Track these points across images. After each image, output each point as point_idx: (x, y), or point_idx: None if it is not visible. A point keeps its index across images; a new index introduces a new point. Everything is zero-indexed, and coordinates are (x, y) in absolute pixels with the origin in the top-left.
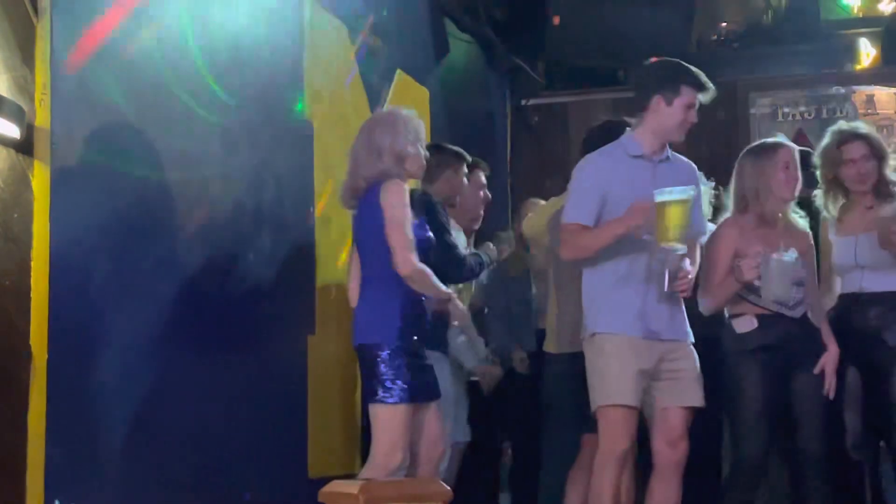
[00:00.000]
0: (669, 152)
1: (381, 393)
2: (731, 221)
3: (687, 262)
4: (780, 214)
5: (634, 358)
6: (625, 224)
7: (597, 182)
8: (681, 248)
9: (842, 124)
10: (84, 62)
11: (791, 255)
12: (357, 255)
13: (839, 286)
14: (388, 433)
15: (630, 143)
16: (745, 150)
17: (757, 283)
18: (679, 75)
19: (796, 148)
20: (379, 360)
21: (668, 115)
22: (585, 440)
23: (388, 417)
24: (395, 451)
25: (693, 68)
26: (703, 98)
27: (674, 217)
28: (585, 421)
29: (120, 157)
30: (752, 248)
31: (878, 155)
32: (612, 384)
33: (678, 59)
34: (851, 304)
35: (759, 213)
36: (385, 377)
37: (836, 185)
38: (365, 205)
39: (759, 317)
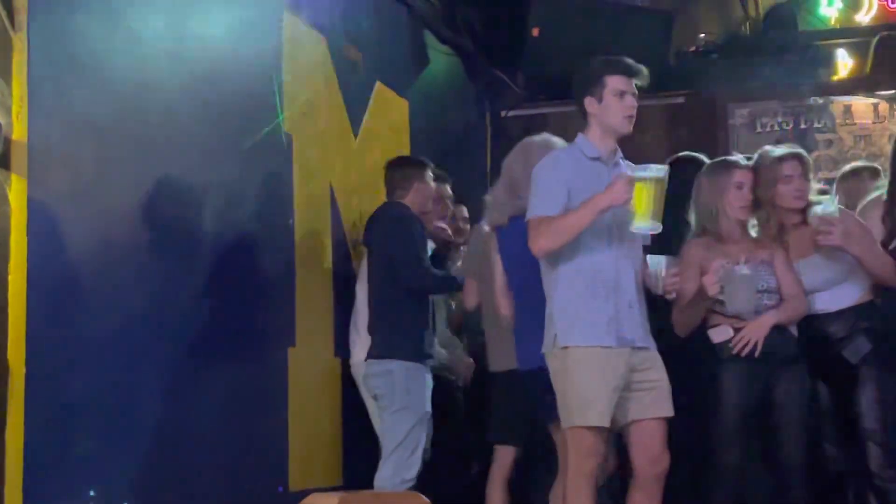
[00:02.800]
0: (620, 158)
1: None
2: (695, 240)
3: (674, 259)
4: (740, 231)
5: (610, 373)
6: (609, 199)
7: (563, 177)
8: (658, 226)
9: (775, 147)
10: (62, 75)
11: (751, 267)
12: (505, 274)
13: None
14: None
15: (586, 145)
16: (703, 168)
17: (720, 297)
18: (598, 69)
19: (750, 167)
20: None
21: (603, 110)
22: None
23: None
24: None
25: (615, 57)
26: (638, 81)
27: (653, 195)
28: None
29: (97, 171)
30: (715, 262)
31: (808, 176)
32: (587, 404)
33: (604, 56)
34: (809, 325)
35: (716, 230)
36: None
37: (770, 206)
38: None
39: (734, 327)
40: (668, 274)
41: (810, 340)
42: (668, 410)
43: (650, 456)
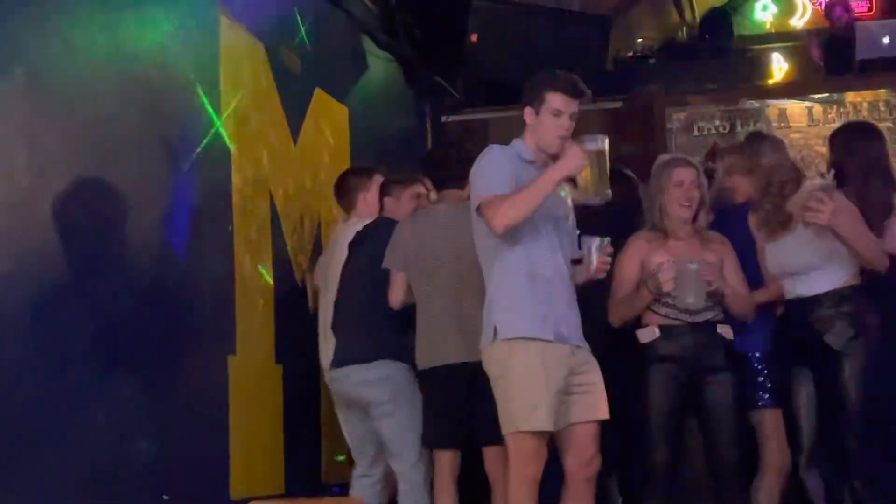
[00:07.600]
0: None
1: (768, 398)
2: (640, 234)
3: (608, 240)
4: (686, 229)
5: (552, 376)
6: (566, 167)
7: (506, 166)
8: (608, 193)
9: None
10: None
11: (695, 263)
12: None
13: None
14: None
15: (521, 149)
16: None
17: (673, 293)
18: (542, 83)
19: (697, 166)
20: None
21: (538, 124)
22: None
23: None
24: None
25: (563, 74)
26: (580, 102)
27: (598, 165)
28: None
29: (32, 180)
30: (656, 259)
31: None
32: (531, 407)
33: (555, 70)
34: (789, 308)
35: (663, 228)
36: (767, 382)
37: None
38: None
39: (662, 327)
40: (602, 254)
41: (792, 324)
42: (604, 413)
43: (583, 459)
